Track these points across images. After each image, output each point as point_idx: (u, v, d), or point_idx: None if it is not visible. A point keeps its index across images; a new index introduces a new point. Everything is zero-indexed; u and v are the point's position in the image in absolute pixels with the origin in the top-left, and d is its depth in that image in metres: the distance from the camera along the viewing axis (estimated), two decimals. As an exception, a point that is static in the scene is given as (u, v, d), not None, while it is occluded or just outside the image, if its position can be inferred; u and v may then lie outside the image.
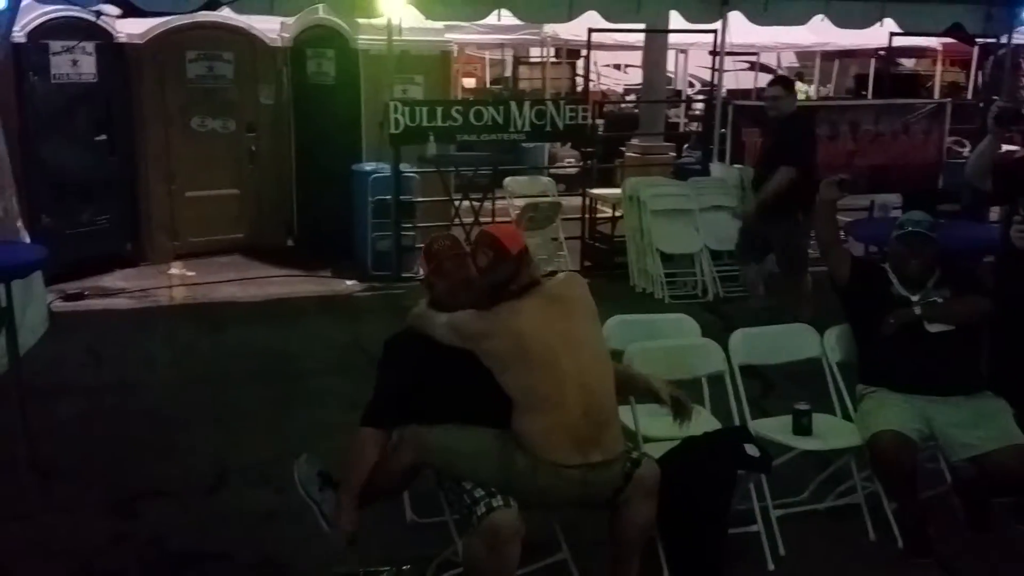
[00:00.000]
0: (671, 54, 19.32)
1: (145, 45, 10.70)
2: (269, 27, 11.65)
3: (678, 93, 21.96)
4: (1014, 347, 5.54)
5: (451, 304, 4.32)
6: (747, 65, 23.86)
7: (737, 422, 5.19)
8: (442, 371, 4.27)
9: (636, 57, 19.17)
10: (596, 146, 12.90)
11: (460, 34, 15.74)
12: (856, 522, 5.17)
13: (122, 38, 10.52)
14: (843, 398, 5.41)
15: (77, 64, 9.96)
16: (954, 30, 11.84)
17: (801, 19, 11.23)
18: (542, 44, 21.46)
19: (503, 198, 11.08)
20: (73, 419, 6.62)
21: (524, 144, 12.49)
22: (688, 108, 20.64)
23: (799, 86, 24.42)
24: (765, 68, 24.52)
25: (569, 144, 15.97)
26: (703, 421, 5.11)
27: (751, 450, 4.66)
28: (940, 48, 23.69)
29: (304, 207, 11.89)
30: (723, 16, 10.82)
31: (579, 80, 21.25)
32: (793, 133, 8.37)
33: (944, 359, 5.13)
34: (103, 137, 10.37)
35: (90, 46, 10.06)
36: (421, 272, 5.02)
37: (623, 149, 15.10)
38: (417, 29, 10.73)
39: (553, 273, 4.70)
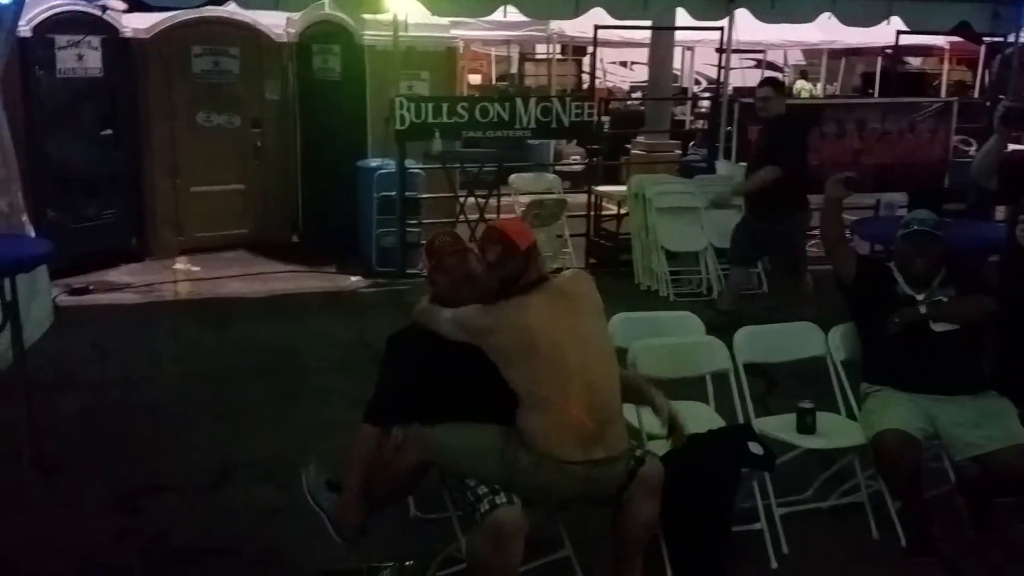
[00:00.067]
0: (677, 51, 19.32)
1: (151, 40, 10.70)
2: (275, 22, 11.64)
3: (684, 91, 21.97)
4: (1019, 346, 5.54)
5: (454, 300, 4.31)
6: (754, 63, 23.84)
7: (741, 420, 5.18)
8: (446, 367, 4.26)
9: (642, 54, 19.18)
10: (602, 143, 12.92)
11: (466, 30, 15.71)
12: (859, 521, 5.17)
13: (128, 33, 10.53)
14: (847, 397, 5.40)
15: (83, 58, 9.96)
16: (961, 28, 11.82)
17: (808, 17, 11.22)
18: (548, 41, 21.45)
19: (508, 195, 11.07)
20: (77, 414, 6.63)
21: (530, 141, 12.52)
22: (694, 106, 20.65)
23: (802, 84, 24.57)
24: (772, 66, 24.52)
25: (575, 141, 16.01)
26: (707, 419, 5.11)
27: (755, 448, 4.66)
28: (947, 47, 23.67)
29: (309, 203, 11.89)
30: (730, 13, 10.81)
31: (585, 77, 21.27)
32: (782, 134, 8.38)
33: (949, 358, 5.13)
34: (108, 132, 10.37)
35: (96, 40, 10.06)
36: (424, 269, 5.01)
37: (629, 146, 15.10)
38: (423, 25, 10.71)
39: (559, 270, 4.69)
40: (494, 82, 25.57)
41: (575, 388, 4.00)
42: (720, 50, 11.77)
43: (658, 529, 4.46)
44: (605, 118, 14.78)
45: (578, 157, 16.25)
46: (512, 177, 11.31)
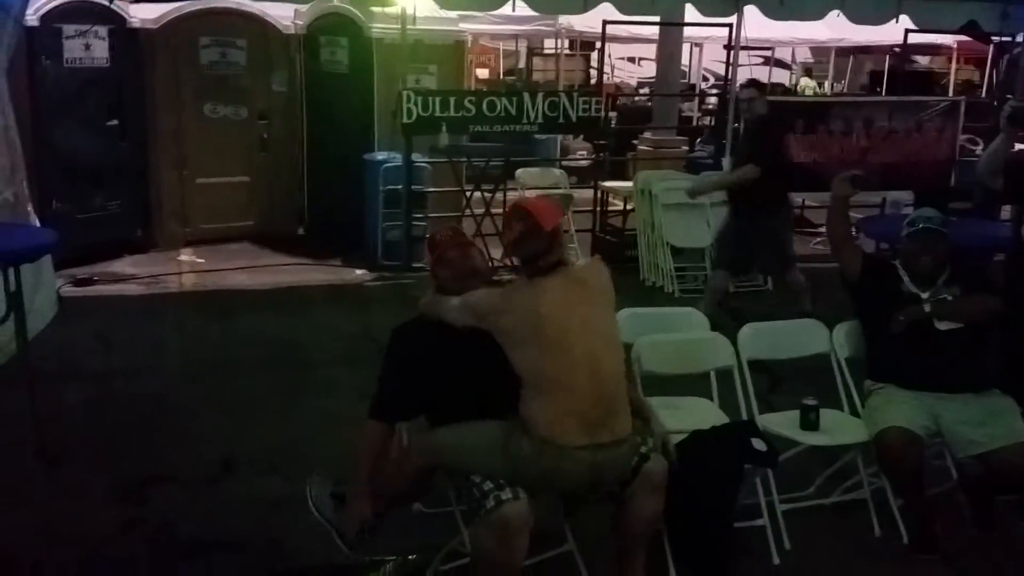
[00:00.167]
0: (686, 48, 19.27)
1: (158, 30, 10.69)
2: (282, 14, 11.64)
3: (692, 87, 21.94)
4: (1023, 345, 5.53)
5: (458, 294, 4.30)
6: (762, 60, 23.82)
7: (744, 416, 5.19)
8: (452, 359, 4.26)
9: (650, 50, 19.17)
10: (608, 139, 12.90)
11: (474, 24, 15.69)
12: (862, 518, 5.17)
13: (135, 23, 10.51)
14: (851, 394, 5.41)
15: (90, 48, 9.96)
16: (969, 28, 11.80)
17: (817, 14, 11.21)
18: (556, 36, 21.42)
19: (515, 189, 11.06)
20: (81, 405, 6.64)
21: (537, 136, 12.49)
22: (701, 102, 20.61)
23: (806, 81, 24.58)
24: (780, 63, 24.48)
25: (582, 136, 16.00)
26: (711, 415, 5.11)
27: (758, 444, 4.67)
28: (955, 46, 23.61)
29: (315, 195, 11.89)
30: (739, 10, 10.79)
31: (593, 72, 21.25)
32: (764, 134, 8.42)
33: (953, 357, 5.12)
34: (115, 122, 10.37)
35: (103, 30, 10.05)
36: (428, 263, 5.01)
37: (635, 142, 15.08)
38: (431, 18, 10.70)
39: None
40: (502, 77, 25.55)
41: (581, 375, 3.98)
42: (728, 47, 11.75)
43: (661, 525, 4.47)
44: (612, 114, 14.76)
45: (585, 152, 16.24)
46: (519, 172, 11.30)
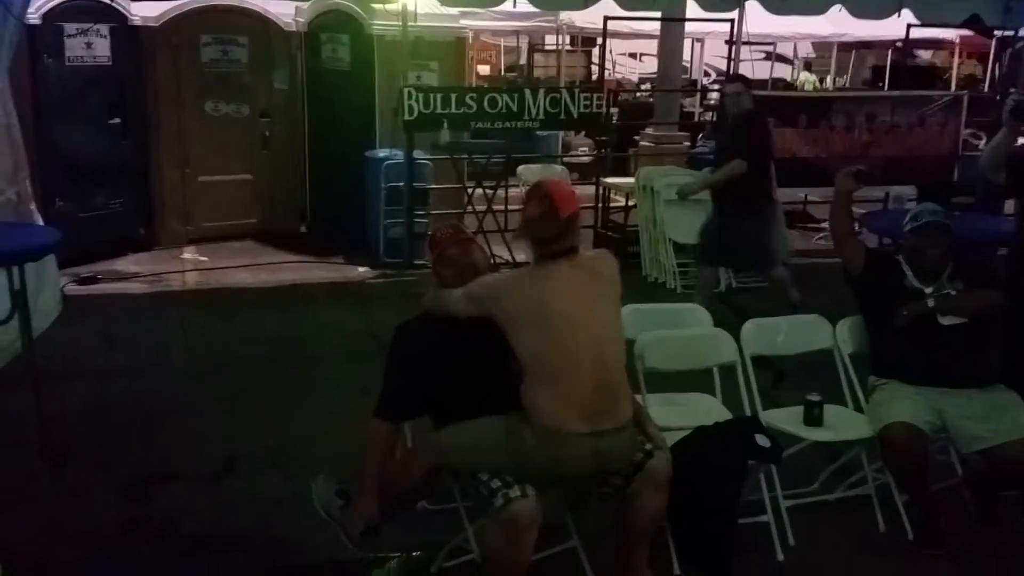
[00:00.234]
0: (687, 43, 19.23)
1: (160, 28, 10.68)
2: (284, 11, 11.62)
3: (694, 82, 21.90)
4: (1027, 340, 5.53)
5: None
6: (764, 55, 23.78)
7: (748, 412, 5.19)
8: (456, 355, 4.26)
9: (652, 46, 19.08)
10: (610, 135, 12.88)
11: (475, 20, 15.68)
12: (866, 513, 5.17)
13: (137, 21, 10.51)
14: (855, 389, 5.40)
15: (91, 46, 9.95)
16: (972, 22, 11.81)
17: (818, 9, 11.23)
18: (557, 32, 21.39)
19: (516, 186, 11.06)
20: (85, 403, 6.63)
21: (538, 132, 12.47)
22: (703, 98, 20.57)
23: (806, 76, 24.55)
24: (782, 58, 24.44)
25: (583, 133, 15.97)
26: (714, 411, 5.11)
27: (761, 440, 4.66)
28: (957, 40, 23.57)
29: (317, 193, 11.89)
30: (740, 5, 10.79)
31: (594, 68, 21.19)
32: (750, 128, 8.41)
33: (956, 352, 5.12)
34: (117, 120, 10.36)
35: (104, 28, 10.05)
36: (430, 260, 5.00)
37: (637, 138, 15.06)
38: (432, 15, 10.71)
39: None
40: (503, 73, 25.52)
41: (583, 362, 3.98)
42: (730, 42, 11.74)
43: (664, 521, 4.47)
44: (614, 110, 14.75)
45: (586, 149, 16.23)
46: (520, 168, 11.30)
